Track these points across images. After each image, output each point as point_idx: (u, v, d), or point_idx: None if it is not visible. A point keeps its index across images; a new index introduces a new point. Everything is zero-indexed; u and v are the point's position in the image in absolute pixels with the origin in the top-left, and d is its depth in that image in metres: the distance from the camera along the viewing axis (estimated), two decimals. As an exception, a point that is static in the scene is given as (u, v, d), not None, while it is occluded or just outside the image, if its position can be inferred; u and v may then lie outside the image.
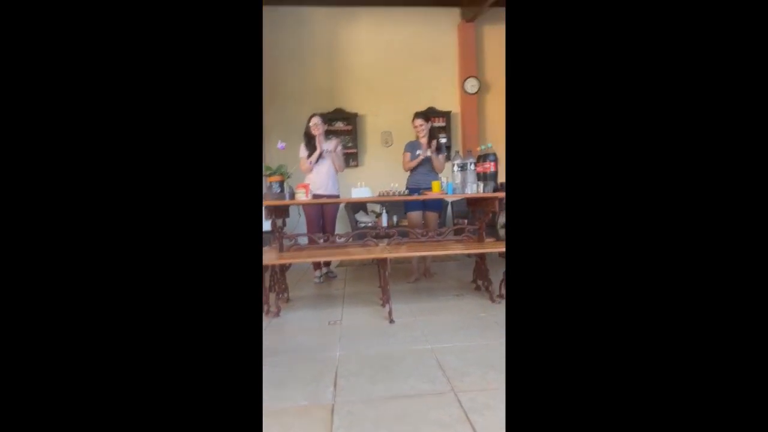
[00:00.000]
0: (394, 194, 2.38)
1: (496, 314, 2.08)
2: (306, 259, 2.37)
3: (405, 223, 3.65)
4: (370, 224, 4.15)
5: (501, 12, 4.63)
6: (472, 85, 4.61)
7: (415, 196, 2.48)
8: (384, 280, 2.15)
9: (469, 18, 4.55)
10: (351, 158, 4.51)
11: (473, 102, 4.65)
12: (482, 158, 2.43)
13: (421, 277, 2.98)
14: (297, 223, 3.05)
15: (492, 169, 2.38)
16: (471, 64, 4.63)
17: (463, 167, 2.44)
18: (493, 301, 2.29)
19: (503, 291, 2.34)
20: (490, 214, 2.40)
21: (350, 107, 4.56)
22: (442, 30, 4.64)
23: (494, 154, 2.42)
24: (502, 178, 2.28)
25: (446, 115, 4.63)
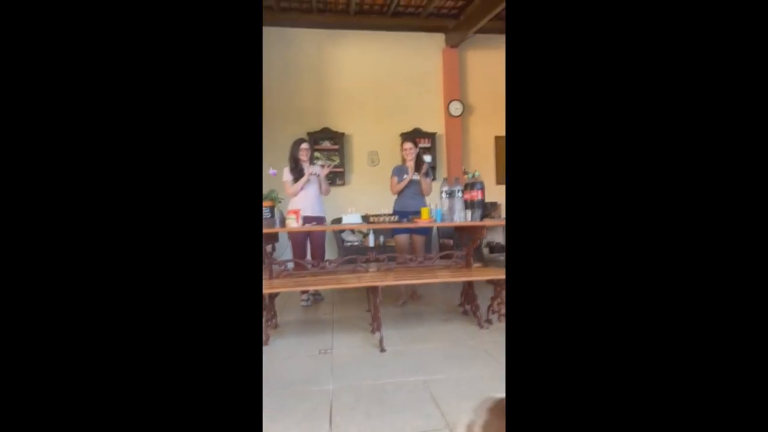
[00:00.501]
0: (383, 221, 2.42)
1: (485, 341, 2.13)
2: (296, 288, 2.37)
3: (392, 243, 3.70)
4: (356, 243, 4.17)
5: (483, 38, 4.81)
6: (456, 108, 4.74)
7: (405, 223, 2.53)
8: (375, 309, 2.17)
9: (453, 44, 4.71)
10: (338, 177, 4.54)
11: (457, 124, 4.78)
12: (469, 186, 2.51)
13: (408, 300, 3.02)
14: (286, 247, 3.05)
15: (479, 197, 2.46)
16: (455, 87, 4.78)
17: (450, 194, 2.51)
18: (481, 327, 2.34)
19: (490, 316, 2.39)
20: (478, 241, 2.47)
21: (337, 127, 4.61)
22: (427, 54, 4.78)
23: (481, 183, 2.50)
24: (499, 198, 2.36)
25: (431, 137, 4.74)
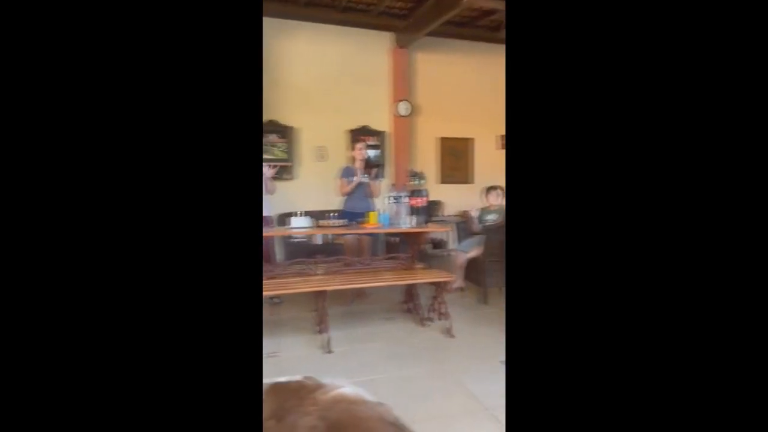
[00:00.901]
0: (333, 225, 2.48)
1: (424, 339, 2.31)
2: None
3: (340, 241, 3.76)
4: (304, 240, 4.18)
5: (434, 41, 4.96)
6: (405, 108, 4.86)
7: (353, 229, 2.61)
8: (322, 312, 2.25)
9: (402, 44, 4.80)
10: (285, 172, 4.47)
11: (406, 124, 4.91)
12: (415, 193, 2.65)
13: (355, 298, 3.12)
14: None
15: (423, 203, 2.60)
16: (403, 87, 4.89)
17: (397, 200, 2.63)
18: (422, 325, 2.52)
19: (430, 314, 2.58)
20: (422, 245, 2.63)
21: (285, 120, 4.53)
22: (376, 52, 4.83)
23: (426, 190, 2.65)
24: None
25: (380, 135, 4.83)
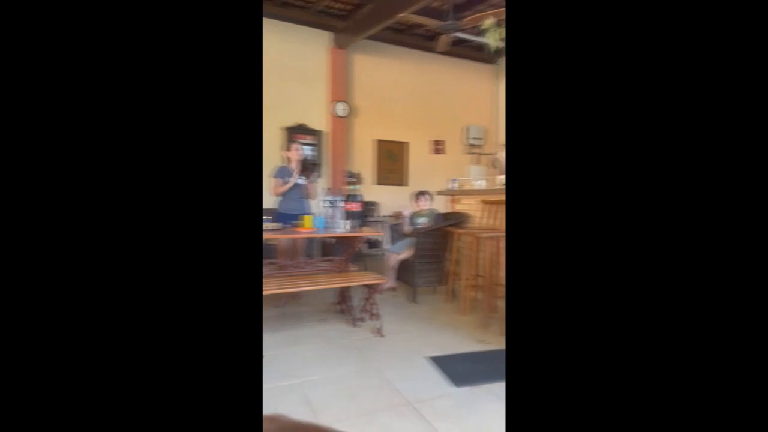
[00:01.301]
0: (267, 229, 2.47)
1: (356, 339, 2.41)
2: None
3: (274, 242, 3.71)
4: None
5: (374, 45, 5.06)
6: (342, 109, 4.90)
7: (288, 233, 2.62)
8: (254, 316, 2.23)
9: (341, 45, 4.83)
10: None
11: (343, 124, 4.96)
12: (351, 197, 2.73)
13: (288, 300, 3.13)
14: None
15: (358, 208, 2.70)
16: (342, 88, 4.93)
17: (333, 204, 2.69)
18: (354, 325, 2.62)
19: (362, 315, 2.69)
20: (356, 248, 2.72)
21: (216, 114, 4.32)
22: (315, 50, 4.80)
23: (361, 195, 2.74)
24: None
25: (317, 134, 4.82)
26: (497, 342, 2.37)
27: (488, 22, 2.67)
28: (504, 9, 2.57)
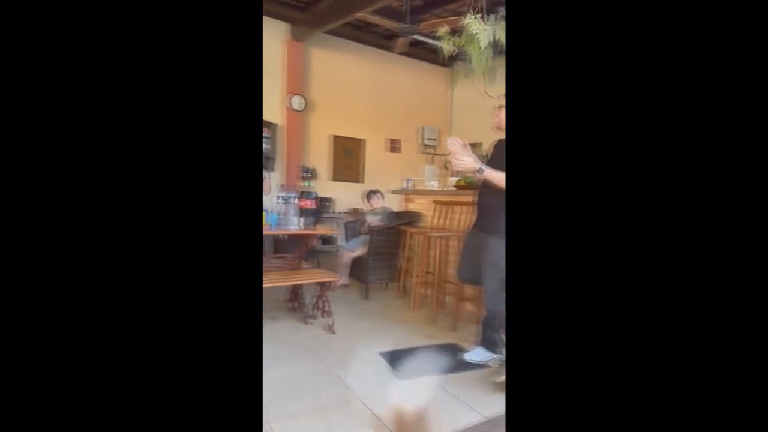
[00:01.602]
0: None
1: (307, 337, 2.42)
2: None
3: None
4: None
5: (332, 40, 5.00)
6: (298, 102, 4.82)
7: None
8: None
9: (298, 38, 4.74)
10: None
11: (299, 118, 4.88)
12: (305, 195, 2.72)
13: (238, 297, 3.05)
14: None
15: (312, 205, 2.69)
16: (298, 81, 4.84)
17: (286, 200, 2.67)
18: (306, 323, 2.62)
19: (314, 312, 2.70)
20: (309, 245, 2.72)
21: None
22: (270, 41, 4.67)
23: (316, 192, 2.74)
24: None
25: (271, 127, 4.71)
26: (443, 337, 2.50)
27: (442, 29, 2.77)
28: (458, 18, 2.67)
